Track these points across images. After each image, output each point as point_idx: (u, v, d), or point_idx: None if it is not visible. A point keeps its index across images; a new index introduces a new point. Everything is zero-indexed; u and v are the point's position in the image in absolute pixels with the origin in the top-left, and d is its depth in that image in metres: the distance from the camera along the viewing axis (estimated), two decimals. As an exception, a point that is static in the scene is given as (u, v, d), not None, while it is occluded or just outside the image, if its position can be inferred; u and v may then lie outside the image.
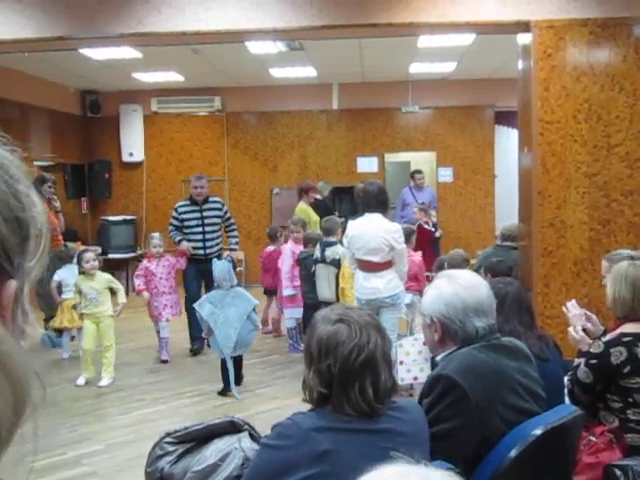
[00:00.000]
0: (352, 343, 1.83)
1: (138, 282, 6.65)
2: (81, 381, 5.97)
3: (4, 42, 5.54)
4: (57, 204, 7.45)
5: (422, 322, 2.41)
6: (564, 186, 5.15)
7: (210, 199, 7.12)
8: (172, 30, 5.39)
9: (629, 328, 2.91)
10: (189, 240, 6.91)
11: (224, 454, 2.33)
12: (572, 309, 3.36)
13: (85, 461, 4.37)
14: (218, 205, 7.16)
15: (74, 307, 6.31)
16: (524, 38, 5.37)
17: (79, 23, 5.45)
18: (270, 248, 7.85)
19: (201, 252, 6.93)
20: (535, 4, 5.10)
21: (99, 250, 9.64)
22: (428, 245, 8.07)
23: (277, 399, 5.46)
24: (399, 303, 5.21)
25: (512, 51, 5.97)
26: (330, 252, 6.18)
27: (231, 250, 7.10)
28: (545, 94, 5.11)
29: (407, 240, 5.61)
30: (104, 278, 6.12)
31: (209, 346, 6.29)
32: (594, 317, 3.37)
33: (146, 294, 6.60)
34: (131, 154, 11.12)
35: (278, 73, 9.76)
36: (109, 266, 9.28)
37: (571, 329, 3.24)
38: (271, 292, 7.77)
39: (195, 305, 5.71)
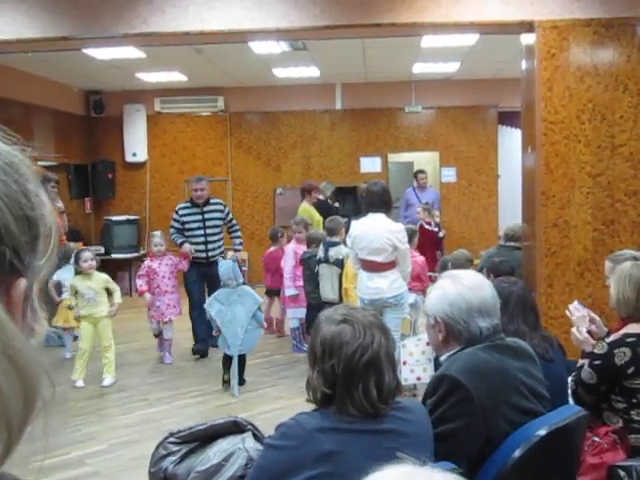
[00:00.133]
0: (356, 343, 1.83)
1: (140, 282, 6.60)
2: (80, 383, 5.91)
3: (8, 42, 5.55)
4: (60, 204, 7.45)
5: (426, 322, 2.40)
6: (568, 186, 5.14)
7: (211, 201, 6.97)
8: (175, 30, 5.40)
9: (633, 329, 2.90)
10: (190, 243, 6.80)
11: (228, 454, 2.33)
12: (575, 311, 3.34)
13: (89, 461, 4.37)
14: (220, 207, 7.02)
15: (69, 308, 6.28)
16: (528, 38, 5.36)
17: (83, 23, 5.46)
18: (272, 248, 7.86)
19: (203, 255, 6.82)
20: (539, 4, 5.10)
21: (101, 250, 9.69)
22: (429, 245, 8.05)
23: (281, 399, 5.46)
24: (402, 303, 5.20)
25: (515, 51, 5.97)
26: (333, 252, 6.18)
27: (235, 251, 7.03)
28: (549, 94, 5.11)
29: (409, 240, 5.60)
30: (101, 278, 6.10)
31: (216, 346, 6.22)
32: (598, 319, 3.36)
33: (148, 296, 6.55)
34: (134, 154, 11.11)
35: (281, 73, 9.75)
36: (112, 266, 9.30)
37: (575, 330, 3.23)
38: (273, 292, 7.77)
39: (205, 305, 5.70)
